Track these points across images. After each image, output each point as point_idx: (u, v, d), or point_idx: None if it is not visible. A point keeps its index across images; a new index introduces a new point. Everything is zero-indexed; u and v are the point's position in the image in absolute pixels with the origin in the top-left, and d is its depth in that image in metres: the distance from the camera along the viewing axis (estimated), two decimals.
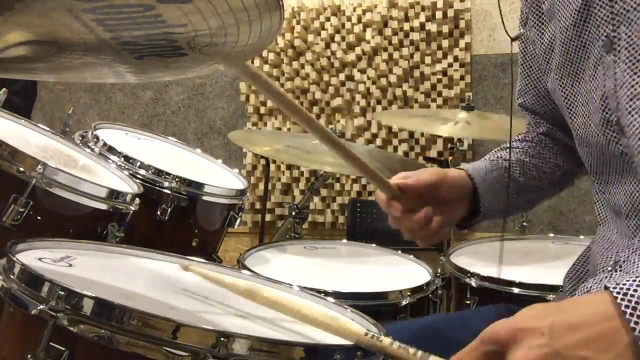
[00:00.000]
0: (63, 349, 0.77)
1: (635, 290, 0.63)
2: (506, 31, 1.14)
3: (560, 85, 1.01)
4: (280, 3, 0.60)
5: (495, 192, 1.15)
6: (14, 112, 1.73)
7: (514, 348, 0.62)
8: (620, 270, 0.91)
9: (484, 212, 1.15)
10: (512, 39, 1.13)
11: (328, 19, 3.39)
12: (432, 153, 3.22)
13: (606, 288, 0.65)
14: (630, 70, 0.86)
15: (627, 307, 0.62)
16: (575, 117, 1.00)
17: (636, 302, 0.62)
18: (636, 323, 0.61)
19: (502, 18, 1.13)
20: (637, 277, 0.65)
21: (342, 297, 1.40)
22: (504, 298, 1.55)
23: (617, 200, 0.95)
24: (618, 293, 0.63)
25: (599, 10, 0.90)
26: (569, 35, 0.96)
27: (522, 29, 1.05)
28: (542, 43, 1.05)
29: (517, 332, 0.63)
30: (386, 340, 0.78)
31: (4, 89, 1.71)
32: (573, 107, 1.00)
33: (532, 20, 1.06)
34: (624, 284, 0.64)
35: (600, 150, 0.95)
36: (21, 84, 2.79)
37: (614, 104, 0.89)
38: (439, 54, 3.24)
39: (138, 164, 1.66)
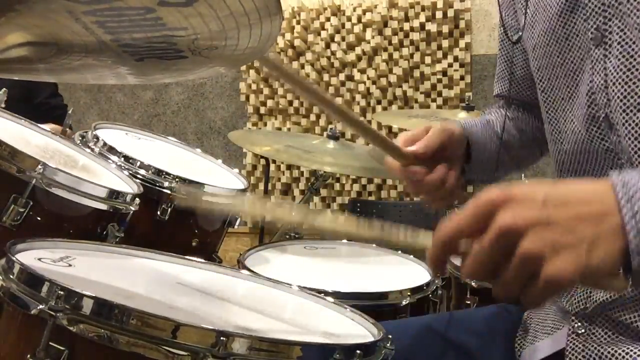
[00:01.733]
0: (63, 348, 0.77)
1: (634, 185, 0.65)
2: (507, 35, 1.14)
3: (539, 77, 1.01)
4: (280, 7, 0.60)
5: (482, 144, 1.18)
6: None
7: (504, 210, 0.64)
8: None
9: (473, 161, 1.17)
10: (513, 43, 1.13)
11: (328, 19, 3.40)
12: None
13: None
14: (624, 67, 0.84)
15: (623, 195, 0.64)
16: (553, 111, 0.99)
17: (632, 193, 0.64)
18: (629, 209, 0.63)
19: (502, 21, 1.13)
20: None
21: (342, 297, 1.40)
22: None
23: None
24: (617, 183, 0.65)
25: (589, 1, 0.88)
26: (552, 24, 0.94)
27: (521, 31, 1.05)
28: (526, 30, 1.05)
29: (511, 197, 0.65)
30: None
31: (4, 89, 1.71)
32: (551, 100, 0.99)
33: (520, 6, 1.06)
34: (630, 179, 0.66)
35: (580, 146, 0.93)
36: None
37: (603, 100, 0.87)
38: (439, 54, 3.24)
39: (138, 164, 1.66)
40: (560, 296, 0.96)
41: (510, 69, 1.18)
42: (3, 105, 2.37)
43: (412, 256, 1.88)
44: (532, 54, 1.02)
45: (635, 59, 0.83)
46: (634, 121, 0.84)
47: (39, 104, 2.78)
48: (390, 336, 0.92)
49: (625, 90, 0.84)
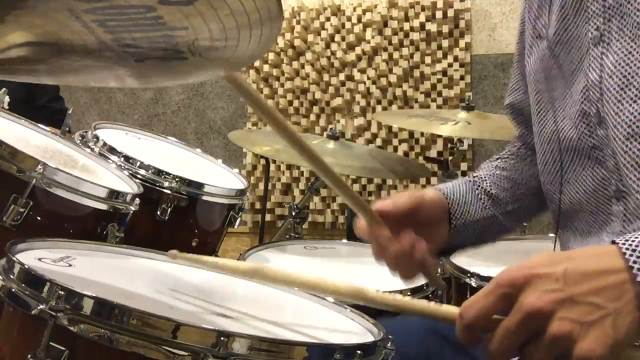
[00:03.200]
0: (63, 348, 0.77)
1: None
2: (535, 33, 1.12)
3: (535, 79, 1.03)
4: (281, 8, 0.60)
5: (466, 203, 1.11)
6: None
7: (528, 291, 0.66)
8: None
9: (455, 224, 1.09)
10: (542, 38, 1.11)
11: (328, 19, 3.40)
12: (432, 153, 3.22)
13: (614, 242, 0.69)
14: (622, 61, 0.88)
15: (635, 262, 0.67)
16: (545, 112, 1.01)
17: None
18: None
19: (531, 24, 1.12)
20: None
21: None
22: None
23: (576, 199, 0.97)
24: (627, 249, 0.67)
25: (591, 3, 0.92)
26: (554, 29, 0.97)
27: (546, 32, 1.05)
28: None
29: (533, 276, 0.67)
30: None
31: (4, 89, 1.71)
32: (544, 101, 1.01)
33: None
34: (633, 240, 0.68)
35: (567, 145, 0.96)
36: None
37: (596, 94, 0.91)
38: (439, 54, 3.24)
39: (138, 164, 1.66)
40: None
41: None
42: (7, 107, 2.38)
43: None
44: (531, 58, 1.04)
45: (633, 55, 0.87)
46: (628, 110, 0.87)
47: (40, 107, 2.77)
48: (390, 336, 0.92)
49: (624, 83, 0.88)
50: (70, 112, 1.89)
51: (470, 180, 1.16)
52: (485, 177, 1.17)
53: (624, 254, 0.67)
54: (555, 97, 0.99)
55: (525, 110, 1.15)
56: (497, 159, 1.22)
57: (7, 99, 2.58)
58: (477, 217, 1.12)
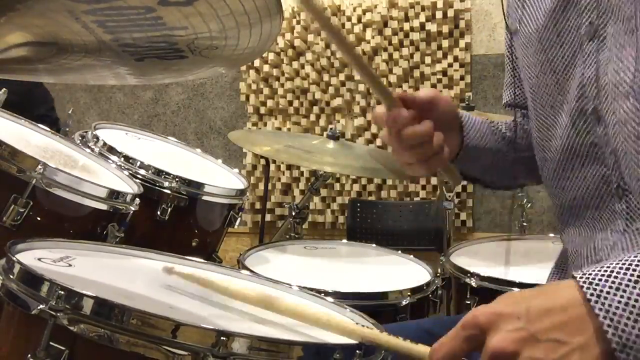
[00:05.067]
0: (63, 348, 0.77)
1: (599, 280, 0.66)
2: (506, 23, 1.12)
3: (528, 75, 1.01)
4: (281, 7, 0.60)
5: (480, 131, 1.12)
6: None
7: (492, 332, 0.66)
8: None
9: (467, 144, 1.11)
10: (512, 33, 1.12)
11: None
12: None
13: (573, 277, 0.69)
14: (615, 57, 0.86)
15: (592, 295, 0.66)
16: (540, 108, 1.00)
17: (600, 291, 0.66)
18: (600, 310, 0.65)
19: (503, 11, 1.12)
20: (602, 266, 0.68)
21: (342, 297, 1.40)
22: None
23: (577, 198, 0.97)
24: (584, 282, 0.67)
25: None
26: (544, 21, 0.95)
27: (519, 23, 1.05)
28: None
29: (496, 317, 0.67)
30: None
31: (4, 89, 1.71)
32: (540, 97, 1.00)
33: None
34: (590, 274, 0.68)
35: (566, 142, 0.95)
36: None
37: (592, 92, 0.89)
38: (439, 54, 3.24)
39: (138, 164, 1.66)
40: None
41: (513, 63, 1.15)
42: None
43: (412, 256, 1.89)
44: (523, 52, 1.03)
45: (626, 49, 0.85)
46: (622, 108, 0.85)
47: (38, 117, 2.75)
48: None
49: (617, 79, 0.86)
50: (70, 112, 1.89)
51: (487, 119, 1.17)
52: (502, 122, 1.17)
53: (581, 287, 0.67)
54: (548, 93, 0.97)
55: (524, 104, 1.15)
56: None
57: (3, 97, 2.58)
58: (489, 146, 1.12)
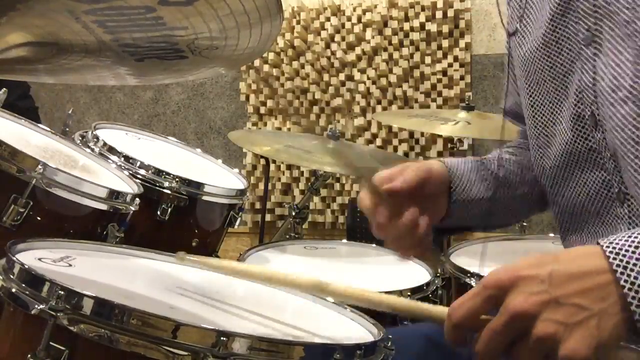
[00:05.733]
0: (63, 348, 0.77)
1: (626, 251, 0.68)
2: (504, 26, 1.13)
3: (527, 82, 1.01)
4: (281, 7, 0.60)
5: (469, 181, 1.09)
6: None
7: (514, 292, 0.67)
8: None
9: (455, 199, 1.07)
10: (510, 34, 1.11)
11: (328, 19, 3.40)
12: (432, 153, 3.22)
13: (598, 243, 0.70)
14: (613, 63, 0.86)
15: (618, 265, 0.67)
16: (539, 115, 1.00)
17: (627, 262, 0.67)
18: (625, 281, 0.67)
19: (500, 13, 1.11)
20: (630, 236, 0.69)
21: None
22: None
23: (579, 203, 0.96)
24: (610, 252, 0.68)
25: (581, 2, 0.90)
26: (543, 29, 0.96)
27: (519, 24, 1.05)
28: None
29: (519, 278, 0.68)
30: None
31: (4, 88, 1.71)
32: (538, 104, 1.00)
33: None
34: (617, 244, 0.69)
35: (564, 148, 0.95)
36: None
37: (590, 97, 0.89)
38: (439, 54, 3.24)
39: (138, 164, 1.66)
40: None
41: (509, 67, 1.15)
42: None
43: (412, 256, 1.88)
44: (522, 60, 1.03)
45: (623, 55, 0.85)
46: (620, 113, 0.85)
47: (8, 105, 2.70)
48: (390, 336, 0.92)
49: (614, 84, 0.86)
50: (70, 112, 1.89)
51: (477, 161, 1.14)
52: (493, 160, 1.15)
53: (608, 257, 0.68)
54: (548, 99, 0.97)
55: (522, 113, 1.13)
56: (505, 147, 1.20)
57: (3, 97, 2.57)
58: (478, 196, 1.09)
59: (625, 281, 0.66)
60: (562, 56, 0.94)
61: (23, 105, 2.81)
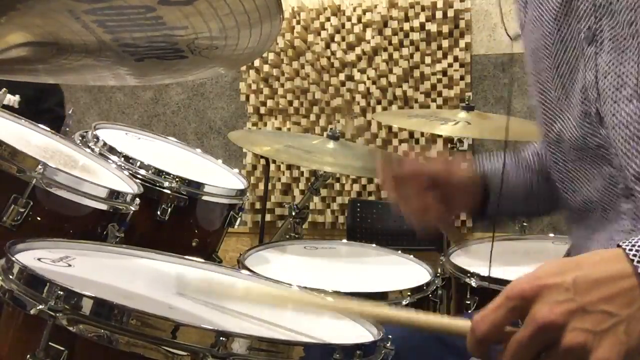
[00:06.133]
0: (62, 348, 0.77)
1: None
2: (506, 31, 1.14)
3: (537, 80, 1.02)
4: (281, 7, 0.60)
5: (506, 172, 1.16)
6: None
7: (539, 302, 0.66)
8: None
9: (495, 190, 1.14)
10: (512, 39, 1.13)
11: (328, 19, 3.40)
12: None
13: (619, 246, 0.69)
14: (615, 61, 0.87)
15: None
16: (550, 113, 1.01)
17: None
18: None
19: (502, 17, 1.12)
20: None
21: (342, 297, 1.40)
22: None
23: (587, 198, 0.97)
24: (634, 255, 0.67)
25: (582, 2, 0.91)
26: (548, 28, 0.97)
27: (523, 25, 1.06)
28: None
29: (543, 287, 0.66)
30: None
31: (4, 88, 1.71)
32: (548, 101, 1.01)
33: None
34: (639, 245, 0.68)
35: (574, 144, 0.96)
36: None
37: (593, 95, 0.90)
38: (439, 54, 3.24)
39: (138, 164, 1.66)
40: None
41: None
42: (17, 106, 2.40)
43: (412, 256, 1.88)
44: (530, 58, 1.04)
45: (625, 53, 0.86)
46: (625, 111, 0.86)
47: (44, 110, 2.73)
48: (390, 336, 0.91)
49: (618, 82, 0.87)
50: (70, 112, 1.89)
51: (516, 157, 1.20)
52: (529, 148, 1.20)
53: (632, 260, 0.67)
54: (557, 96, 0.98)
55: None
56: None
57: (17, 98, 2.59)
58: (513, 182, 1.15)
59: None
60: (566, 55, 0.95)
61: (59, 112, 2.81)
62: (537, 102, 1.04)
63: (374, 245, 2.01)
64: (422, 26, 3.25)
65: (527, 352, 0.67)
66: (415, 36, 3.25)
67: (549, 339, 0.66)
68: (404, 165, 1.10)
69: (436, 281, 1.69)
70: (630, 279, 0.66)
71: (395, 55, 3.29)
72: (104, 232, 1.37)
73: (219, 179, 1.90)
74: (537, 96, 1.03)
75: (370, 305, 0.85)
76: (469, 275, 1.64)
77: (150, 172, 1.65)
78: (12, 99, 2.61)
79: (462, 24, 3.23)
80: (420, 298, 1.60)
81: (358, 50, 3.34)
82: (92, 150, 1.65)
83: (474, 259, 1.79)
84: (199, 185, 1.70)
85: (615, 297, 0.66)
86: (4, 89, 1.69)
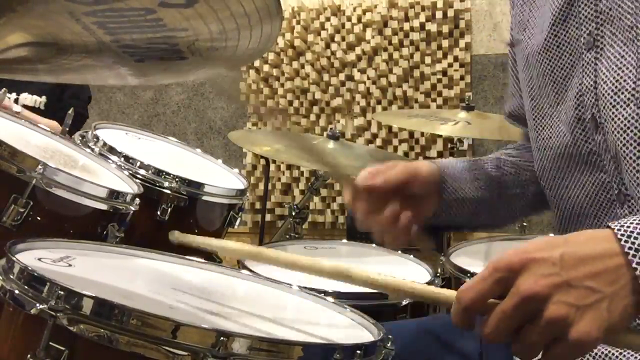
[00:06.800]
0: (63, 348, 0.77)
1: (638, 234, 0.68)
2: (511, 35, 1.14)
3: (529, 85, 1.02)
4: (281, 8, 0.60)
5: (461, 180, 1.12)
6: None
7: (525, 275, 0.67)
8: None
9: (446, 198, 1.10)
10: (508, 44, 1.13)
11: (328, 19, 3.40)
12: (432, 153, 3.23)
13: (608, 227, 0.70)
14: (615, 66, 0.88)
15: (630, 248, 0.68)
16: (540, 118, 1.01)
17: (639, 245, 0.68)
18: (637, 264, 0.67)
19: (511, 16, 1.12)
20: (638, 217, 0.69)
21: (342, 297, 1.40)
22: None
23: (577, 204, 0.97)
24: (622, 235, 0.68)
25: (583, 8, 0.91)
26: (545, 34, 0.97)
27: (522, 31, 1.06)
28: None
29: (530, 261, 0.67)
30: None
31: (4, 89, 1.71)
32: (539, 107, 1.01)
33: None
34: (628, 226, 0.69)
35: (564, 150, 0.96)
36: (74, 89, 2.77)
37: (591, 100, 0.91)
38: (439, 54, 3.24)
39: (138, 164, 1.66)
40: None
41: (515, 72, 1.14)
42: (43, 107, 2.42)
43: (412, 256, 1.88)
44: (524, 64, 1.04)
45: (626, 59, 0.87)
46: (622, 115, 0.87)
47: (79, 114, 2.66)
48: (390, 336, 0.92)
49: (616, 87, 0.88)
50: (70, 112, 1.89)
51: (472, 160, 1.17)
52: (488, 160, 1.18)
53: (619, 239, 0.68)
54: (548, 102, 0.98)
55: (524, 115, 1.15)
56: (505, 148, 1.23)
57: (43, 99, 2.60)
58: (469, 196, 1.12)
59: (638, 264, 0.67)
60: (562, 60, 0.96)
61: (80, 110, 2.77)
62: (528, 108, 1.04)
63: (374, 245, 2.01)
64: (422, 26, 3.25)
65: (510, 322, 0.67)
66: (415, 36, 3.25)
67: (532, 310, 0.66)
68: (363, 182, 1.05)
69: (436, 281, 1.69)
70: (616, 258, 0.68)
71: (395, 55, 3.29)
72: (104, 232, 1.37)
73: (219, 179, 1.90)
74: (528, 102, 1.04)
75: (360, 270, 0.85)
76: (469, 275, 1.64)
77: (150, 172, 1.65)
78: (38, 101, 2.61)
79: (462, 24, 3.23)
80: None
81: (358, 50, 3.34)
82: (92, 150, 1.65)
83: (474, 259, 1.79)
84: (199, 185, 1.70)
85: (601, 274, 0.67)
86: (4, 89, 1.69)
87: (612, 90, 0.88)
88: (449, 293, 0.74)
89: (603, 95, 0.89)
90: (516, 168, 1.17)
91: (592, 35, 0.91)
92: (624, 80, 0.87)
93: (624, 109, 0.86)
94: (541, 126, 1.01)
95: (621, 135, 0.87)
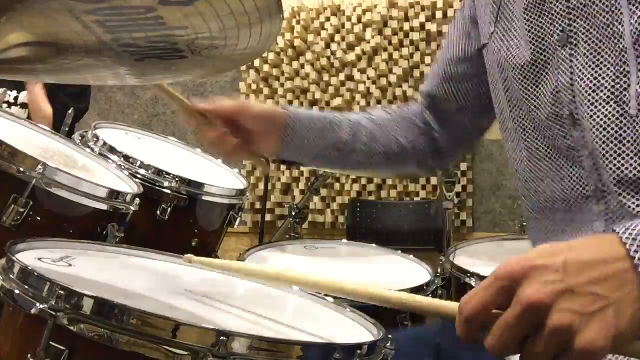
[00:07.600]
0: (63, 348, 0.77)
1: None
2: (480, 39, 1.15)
3: (503, 77, 1.02)
4: (281, 7, 0.60)
5: (307, 132, 1.25)
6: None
7: (527, 283, 0.64)
8: None
9: (287, 142, 1.24)
10: (479, 49, 1.14)
11: (328, 19, 3.40)
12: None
13: (614, 231, 0.68)
14: (591, 63, 0.88)
15: (635, 252, 0.65)
16: (517, 110, 1.01)
17: None
18: None
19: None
20: None
21: (342, 298, 1.40)
22: None
23: (550, 197, 0.97)
24: (627, 239, 0.66)
25: (555, 5, 0.91)
26: (515, 32, 0.97)
27: (494, 26, 1.05)
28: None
29: (532, 268, 0.65)
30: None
31: (4, 88, 1.71)
32: (515, 99, 1.00)
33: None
34: (633, 230, 0.67)
35: (540, 144, 0.96)
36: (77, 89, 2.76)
37: (568, 97, 0.91)
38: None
39: (138, 164, 1.66)
40: None
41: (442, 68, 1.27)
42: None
43: (412, 256, 1.89)
44: (497, 61, 1.03)
45: (602, 56, 0.87)
46: (602, 113, 0.87)
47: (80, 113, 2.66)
48: (390, 336, 0.92)
49: (594, 84, 0.87)
50: (70, 112, 1.89)
51: (334, 115, 1.29)
52: (348, 121, 1.28)
53: (625, 243, 0.66)
54: (525, 98, 0.98)
55: (444, 105, 1.27)
56: (372, 110, 1.35)
57: (3, 97, 2.59)
58: (310, 151, 1.26)
59: None
60: (536, 55, 0.95)
61: (76, 107, 2.77)
62: (502, 99, 1.04)
63: (374, 245, 2.01)
64: (422, 26, 3.25)
65: (514, 333, 0.65)
66: (415, 36, 3.26)
67: (535, 320, 0.64)
68: (198, 106, 1.23)
69: (436, 281, 1.69)
70: (622, 262, 0.65)
71: (395, 55, 3.29)
72: (104, 232, 1.37)
73: (219, 179, 1.90)
74: (505, 94, 1.04)
75: (361, 285, 0.83)
76: (469, 275, 1.64)
77: (150, 172, 1.65)
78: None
79: None
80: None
81: (358, 50, 3.35)
82: (92, 150, 1.65)
83: (474, 259, 1.79)
84: (199, 185, 1.70)
85: (606, 280, 0.65)
86: (4, 89, 1.69)
87: (590, 88, 0.88)
88: (453, 305, 0.71)
89: (580, 92, 0.89)
90: (371, 139, 1.27)
91: (565, 32, 0.90)
92: (602, 78, 0.87)
93: (604, 106, 0.86)
94: (519, 118, 1.01)
95: (600, 132, 0.87)
